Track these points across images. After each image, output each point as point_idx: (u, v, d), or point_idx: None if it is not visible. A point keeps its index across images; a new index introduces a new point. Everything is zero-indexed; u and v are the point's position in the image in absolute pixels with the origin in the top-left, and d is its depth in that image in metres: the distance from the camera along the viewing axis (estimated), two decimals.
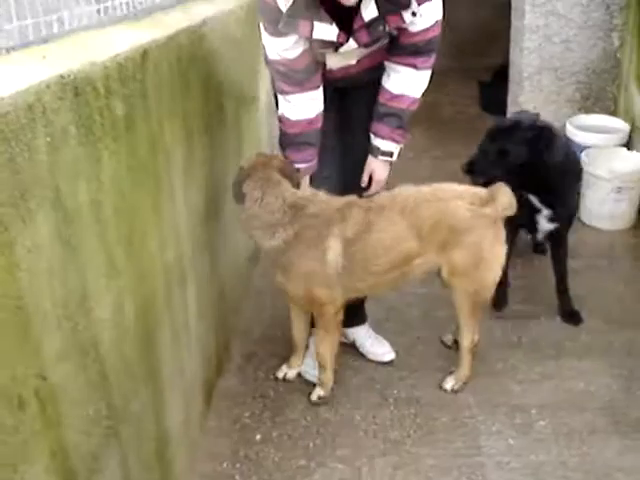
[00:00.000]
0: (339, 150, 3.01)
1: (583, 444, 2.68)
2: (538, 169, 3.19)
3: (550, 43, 4.80)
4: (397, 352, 3.24)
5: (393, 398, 2.98)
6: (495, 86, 6.53)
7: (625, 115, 4.74)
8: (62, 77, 1.54)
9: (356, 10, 2.52)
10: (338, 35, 2.56)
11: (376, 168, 2.93)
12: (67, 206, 1.56)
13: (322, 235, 2.69)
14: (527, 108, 4.93)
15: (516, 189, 2.91)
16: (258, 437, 2.78)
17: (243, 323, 3.56)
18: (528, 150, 3.15)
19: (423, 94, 2.83)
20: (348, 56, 2.75)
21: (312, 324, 3.05)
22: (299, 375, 3.14)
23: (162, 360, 2.25)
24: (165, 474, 2.31)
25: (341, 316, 2.88)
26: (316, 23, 2.52)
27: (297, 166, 2.85)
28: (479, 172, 3.23)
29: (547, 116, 4.83)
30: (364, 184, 2.96)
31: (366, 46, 2.67)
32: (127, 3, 2.28)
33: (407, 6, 2.51)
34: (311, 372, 3.10)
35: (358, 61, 2.79)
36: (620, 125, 4.69)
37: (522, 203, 3.03)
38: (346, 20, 2.56)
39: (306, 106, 2.76)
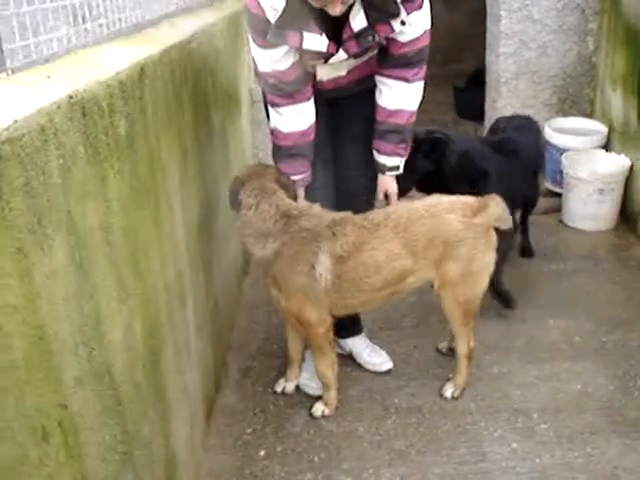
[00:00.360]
0: (331, 161, 3.00)
1: (586, 445, 2.70)
2: (439, 174, 3.46)
3: (526, 48, 4.85)
4: (394, 361, 3.23)
5: (394, 408, 2.97)
6: (470, 91, 6.60)
7: (602, 117, 4.81)
8: (70, 97, 1.52)
9: (345, 20, 2.52)
10: (328, 45, 2.56)
11: (387, 184, 2.95)
12: (79, 229, 1.53)
13: (310, 250, 2.66)
14: (505, 113, 4.98)
15: (424, 191, 3.21)
16: (262, 453, 2.75)
17: (238, 337, 3.53)
18: (428, 161, 3.46)
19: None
20: (338, 67, 2.74)
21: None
22: (297, 388, 3.11)
23: (167, 380, 2.21)
24: None
25: (332, 334, 2.86)
26: (305, 33, 2.51)
27: (292, 178, 2.83)
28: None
29: None
30: (380, 200, 2.99)
31: (356, 56, 2.67)
32: (119, 19, 2.25)
33: (396, 15, 2.52)
34: (310, 385, 3.08)
35: (348, 72, 2.79)
36: (598, 127, 4.76)
37: None
38: (335, 31, 2.55)
39: (298, 118, 2.75)
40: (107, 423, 1.66)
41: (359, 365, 3.25)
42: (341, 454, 2.73)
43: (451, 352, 3.26)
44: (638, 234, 4.37)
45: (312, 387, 3.07)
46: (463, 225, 2.75)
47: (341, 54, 2.61)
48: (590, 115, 4.99)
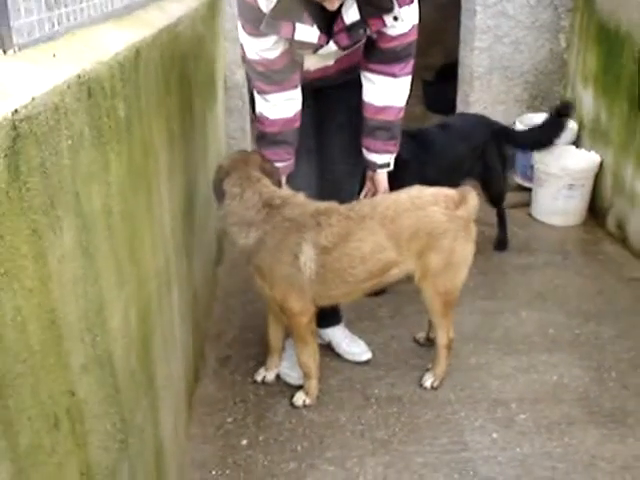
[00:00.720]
0: (315, 150, 2.99)
1: (564, 435, 2.75)
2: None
3: (500, 43, 4.90)
4: (372, 351, 3.25)
5: (375, 398, 2.99)
6: (439, 85, 6.65)
7: (572, 114, 4.88)
8: (79, 77, 1.48)
9: (337, 13, 2.50)
10: (319, 37, 2.54)
11: (378, 181, 2.94)
12: (85, 212, 1.49)
13: (294, 240, 2.65)
14: (477, 107, 5.05)
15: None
16: (244, 442, 2.73)
17: (214, 326, 3.50)
18: None
19: None
20: (326, 57, 2.73)
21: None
22: (278, 377, 3.10)
23: (157, 368, 2.18)
24: None
25: (314, 324, 2.87)
26: (298, 25, 2.49)
27: (275, 165, 2.82)
28: None
29: (496, 115, 4.96)
30: (368, 196, 2.97)
31: (345, 49, 2.66)
32: (111, 0, 2.19)
33: (390, 10, 2.51)
34: (290, 374, 3.07)
35: (336, 62, 2.78)
36: (568, 124, 4.82)
37: None
38: (327, 22, 2.54)
39: (285, 105, 2.73)
40: (108, 411, 1.62)
41: (338, 355, 3.25)
42: (324, 443, 2.73)
43: (429, 342, 3.30)
44: (606, 229, 4.47)
45: (293, 376, 3.06)
46: (446, 217, 2.77)
47: (331, 46, 2.60)
48: None
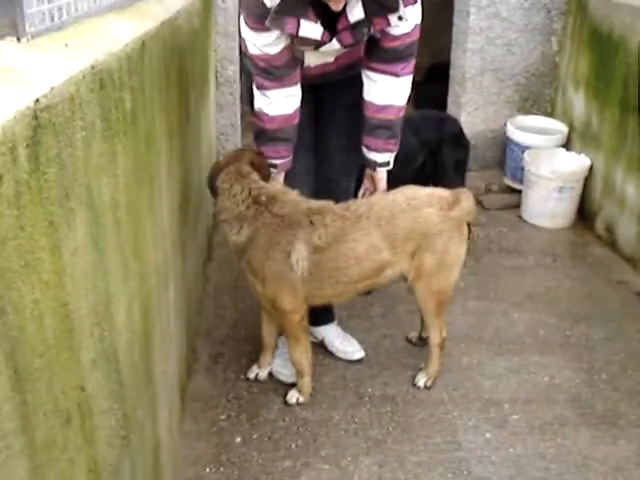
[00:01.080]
0: (313, 146, 2.98)
1: (556, 436, 2.77)
2: None
3: (492, 45, 4.92)
4: (365, 350, 3.24)
5: (368, 396, 2.98)
6: (428, 85, 6.65)
7: (563, 117, 4.93)
8: (92, 67, 1.45)
9: (342, 11, 2.49)
10: (322, 34, 2.53)
11: (377, 179, 2.92)
12: (96, 205, 1.47)
13: (286, 238, 2.63)
14: (468, 108, 5.06)
15: None
16: (238, 440, 2.72)
17: (206, 323, 3.47)
18: None
19: None
20: (327, 54, 2.72)
21: None
22: (270, 374, 3.09)
23: (155, 364, 2.16)
24: None
25: (306, 322, 2.86)
26: (302, 21, 2.48)
27: (273, 162, 2.81)
28: None
29: (487, 116, 5.00)
30: (366, 195, 2.96)
31: (348, 47, 2.65)
32: None
33: (395, 9, 2.51)
34: (283, 372, 3.06)
35: (336, 58, 2.77)
36: (558, 127, 4.87)
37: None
38: (331, 20, 2.53)
39: (284, 102, 2.72)
40: (112, 407, 1.60)
41: (331, 353, 3.25)
42: (318, 442, 2.73)
43: (421, 342, 3.30)
44: (595, 232, 4.50)
45: (285, 374, 3.05)
46: (440, 218, 2.78)
47: (334, 43, 2.59)
48: (550, 114, 5.11)
